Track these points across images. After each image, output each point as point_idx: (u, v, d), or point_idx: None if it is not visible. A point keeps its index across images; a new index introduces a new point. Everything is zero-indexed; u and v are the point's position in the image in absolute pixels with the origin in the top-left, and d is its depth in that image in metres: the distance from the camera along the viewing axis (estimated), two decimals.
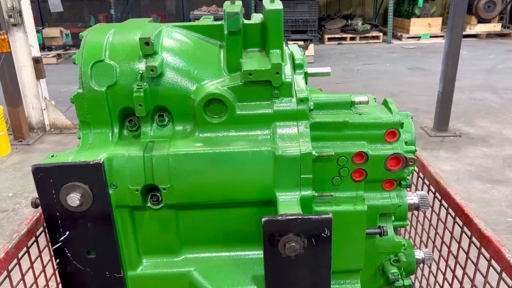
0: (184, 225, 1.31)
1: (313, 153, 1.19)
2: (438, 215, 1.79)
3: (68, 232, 1.23)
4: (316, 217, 1.13)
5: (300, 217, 1.13)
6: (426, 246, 1.92)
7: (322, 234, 1.15)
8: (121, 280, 1.31)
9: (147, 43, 1.18)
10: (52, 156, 1.22)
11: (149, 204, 1.26)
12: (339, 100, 1.27)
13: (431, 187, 1.77)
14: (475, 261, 1.52)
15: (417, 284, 2.02)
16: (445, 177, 3.89)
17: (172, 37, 1.29)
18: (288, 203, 1.20)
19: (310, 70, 1.40)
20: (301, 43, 9.15)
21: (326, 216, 1.13)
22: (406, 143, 1.32)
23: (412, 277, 2.01)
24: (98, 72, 1.22)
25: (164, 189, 1.22)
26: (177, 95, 1.24)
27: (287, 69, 1.25)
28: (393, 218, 1.48)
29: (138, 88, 1.19)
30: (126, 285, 1.34)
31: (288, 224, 1.13)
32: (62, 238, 1.24)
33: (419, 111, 5.71)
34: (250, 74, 1.18)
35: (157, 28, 1.28)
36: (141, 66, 1.23)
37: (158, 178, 1.21)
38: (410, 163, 1.28)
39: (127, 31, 1.29)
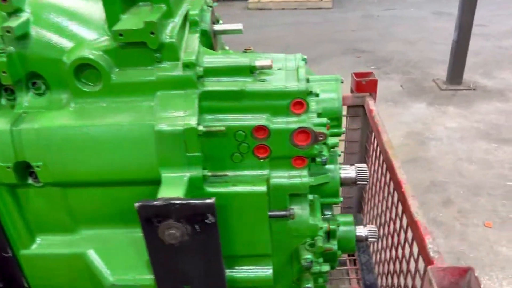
0: (74, 203, 1.20)
1: (200, 128, 1.03)
2: (385, 190, 1.61)
3: None
4: (197, 202, 0.99)
5: (178, 201, 0.99)
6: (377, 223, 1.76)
7: (206, 221, 1.02)
8: (11, 259, 1.23)
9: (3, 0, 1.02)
10: None
11: (30, 181, 1.14)
12: (236, 64, 1.08)
13: (381, 157, 1.58)
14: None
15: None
16: (448, 136, 3.63)
17: None
18: (172, 185, 1.06)
19: (218, 27, 1.20)
20: None
21: (208, 201, 0.99)
22: (320, 114, 1.13)
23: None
24: None
25: (38, 166, 1.10)
26: (48, 59, 1.08)
27: (173, 27, 1.06)
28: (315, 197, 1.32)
29: (0, 53, 1.04)
30: (20, 264, 1.26)
31: (166, 209, 0.99)
32: None
33: (436, 62, 5.31)
34: (121, 35, 1.00)
35: None
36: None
37: (30, 154, 1.09)
38: (320, 138, 1.10)
39: None
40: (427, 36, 6.40)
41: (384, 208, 1.65)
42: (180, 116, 1.04)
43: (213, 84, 1.07)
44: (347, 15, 7.71)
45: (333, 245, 1.42)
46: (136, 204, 0.99)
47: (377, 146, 1.74)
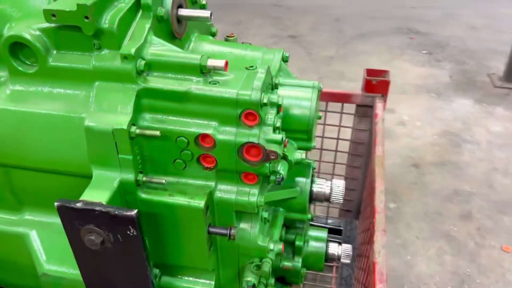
0: (17, 184, 1.14)
1: (133, 129, 0.92)
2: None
3: None
4: (117, 212, 0.89)
5: (98, 208, 0.90)
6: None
7: (127, 232, 0.92)
8: None
9: None
10: None
11: None
12: (185, 61, 0.94)
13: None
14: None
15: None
16: (488, 141, 3.30)
17: None
18: (99, 186, 0.96)
19: (184, 12, 1.05)
20: None
21: (129, 213, 0.89)
22: (277, 128, 0.98)
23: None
24: None
25: None
26: None
27: (118, 10, 0.93)
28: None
29: None
30: None
31: (85, 214, 0.91)
32: None
33: (496, 53, 4.81)
34: (54, 16, 0.89)
35: None
36: None
37: None
38: (272, 157, 0.95)
39: None
40: (494, 23, 5.81)
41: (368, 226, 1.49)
42: (112, 113, 0.92)
43: (156, 81, 0.94)
44: None
45: (296, 262, 1.31)
46: (56, 203, 0.91)
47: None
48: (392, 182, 2.80)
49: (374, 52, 4.78)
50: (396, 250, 2.33)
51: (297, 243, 1.31)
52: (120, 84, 0.94)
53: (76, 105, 0.97)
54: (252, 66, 1.09)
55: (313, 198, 1.25)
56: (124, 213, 0.89)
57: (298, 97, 1.07)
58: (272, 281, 1.17)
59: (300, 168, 1.22)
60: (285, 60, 1.17)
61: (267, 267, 1.09)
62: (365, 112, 1.77)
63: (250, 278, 1.09)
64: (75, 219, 0.93)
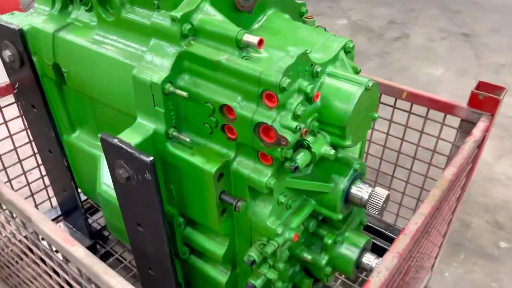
0: (98, 114, 1.35)
1: (167, 86, 1.01)
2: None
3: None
4: (137, 155, 1.01)
5: (125, 147, 1.03)
6: None
7: (145, 175, 1.04)
8: (56, 140, 1.49)
9: None
10: (12, 14, 1.37)
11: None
12: (224, 32, 0.97)
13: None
14: None
15: None
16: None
17: None
18: (136, 130, 1.09)
19: None
20: None
21: (145, 158, 1.00)
22: (298, 116, 0.95)
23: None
24: None
25: (65, 72, 1.26)
26: None
27: None
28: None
29: None
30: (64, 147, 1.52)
31: (116, 150, 1.05)
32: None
33: None
34: None
35: None
36: None
37: (61, 60, 1.25)
38: (283, 143, 0.94)
39: None
40: None
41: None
42: (156, 68, 1.02)
43: (198, 46, 1.01)
44: None
45: (320, 258, 1.28)
46: (100, 135, 1.07)
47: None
48: None
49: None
50: None
51: (325, 239, 1.27)
52: (168, 44, 1.03)
53: (134, 56, 1.09)
54: (307, 50, 1.07)
55: (349, 200, 1.19)
56: (142, 157, 1.00)
57: (341, 90, 1.02)
58: (281, 265, 1.17)
59: (340, 165, 1.17)
60: (347, 51, 1.11)
61: (270, 248, 1.10)
62: (470, 129, 1.55)
63: (252, 253, 1.11)
64: (112, 152, 1.07)
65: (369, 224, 1.93)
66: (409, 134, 1.76)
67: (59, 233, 1.04)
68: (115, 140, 1.04)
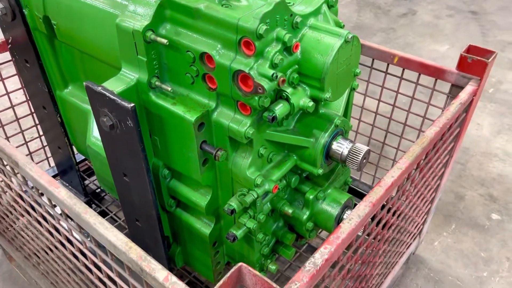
0: (88, 68, 1.38)
1: (148, 34, 1.03)
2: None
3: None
4: (119, 101, 1.03)
5: (108, 95, 1.05)
6: None
7: (127, 123, 1.06)
8: (50, 96, 1.52)
9: None
10: None
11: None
12: None
13: None
14: None
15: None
16: None
17: None
18: (120, 79, 1.11)
19: None
20: None
21: (127, 105, 1.02)
22: (276, 65, 0.97)
23: None
24: None
25: (54, 24, 1.28)
26: None
27: None
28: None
29: None
30: (57, 103, 1.55)
31: (100, 98, 1.07)
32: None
33: None
34: None
35: None
36: None
37: (50, 12, 1.27)
38: (259, 91, 0.96)
39: None
40: None
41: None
42: (138, 17, 1.04)
43: None
44: None
45: (302, 213, 1.31)
46: (84, 83, 1.09)
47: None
48: (509, 191, 2.42)
49: None
50: (475, 261, 2.07)
51: (306, 195, 1.29)
52: None
53: (119, 6, 1.11)
54: (289, 2, 1.08)
55: (330, 155, 1.21)
56: (123, 103, 1.02)
57: (320, 42, 1.03)
58: (261, 216, 1.20)
59: (321, 120, 1.18)
60: (330, 4, 1.12)
61: (249, 198, 1.13)
62: (459, 93, 1.55)
63: (232, 203, 1.14)
64: (96, 100, 1.10)
65: (356, 188, 1.96)
66: (401, 101, 1.76)
67: (44, 176, 1.08)
68: (99, 88, 1.06)
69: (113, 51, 1.15)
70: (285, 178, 1.26)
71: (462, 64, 1.46)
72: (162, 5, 1.03)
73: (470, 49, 1.47)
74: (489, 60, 1.41)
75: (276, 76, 0.96)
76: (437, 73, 1.57)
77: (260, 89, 0.96)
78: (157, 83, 1.10)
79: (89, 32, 1.20)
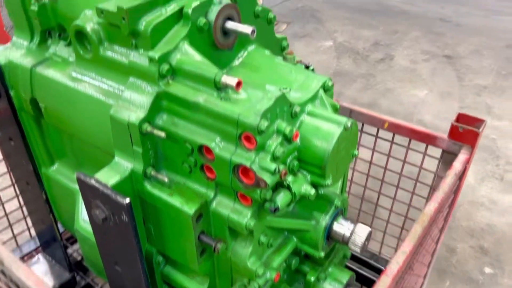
0: (77, 148, 1.33)
1: (144, 126, 0.99)
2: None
3: None
4: (113, 196, 0.99)
5: (102, 188, 1.01)
6: None
7: (122, 217, 1.02)
8: (34, 172, 1.46)
9: None
10: None
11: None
12: (202, 73, 0.97)
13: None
14: None
15: None
16: None
17: None
18: (113, 169, 1.07)
19: (230, 25, 1.07)
20: None
21: (122, 200, 0.98)
22: (277, 158, 0.95)
23: None
24: None
25: (42, 107, 1.24)
26: (69, 17, 1.16)
27: (157, 15, 1.00)
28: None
29: (35, 1, 1.17)
30: (42, 179, 1.49)
31: (93, 191, 1.03)
32: None
33: None
34: (102, 13, 1.00)
35: None
36: None
37: (38, 95, 1.23)
38: (261, 185, 0.93)
39: None
40: None
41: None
42: (133, 108, 1.01)
43: (176, 86, 1.00)
44: None
45: None
46: (76, 174, 1.04)
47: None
48: (498, 242, 2.42)
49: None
50: None
51: (308, 277, 1.25)
52: (146, 83, 1.02)
53: (112, 95, 1.08)
54: (286, 88, 1.07)
55: (331, 236, 1.18)
56: (118, 199, 0.98)
57: (320, 130, 1.02)
58: None
59: (321, 202, 1.16)
60: (326, 89, 1.11)
61: None
62: (451, 159, 1.56)
63: None
64: (88, 192, 1.05)
65: (353, 254, 1.92)
66: (392, 162, 1.77)
67: (31, 277, 1.01)
68: (92, 181, 1.02)
69: (106, 138, 1.11)
70: (285, 261, 1.22)
71: (453, 132, 1.48)
72: (159, 97, 1.00)
73: (460, 118, 1.48)
74: (480, 130, 1.43)
75: (279, 170, 0.93)
76: (428, 139, 1.57)
77: (262, 183, 0.93)
78: (152, 173, 1.06)
79: (80, 119, 1.16)
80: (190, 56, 1.01)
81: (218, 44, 1.09)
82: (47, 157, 1.44)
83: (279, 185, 1.04)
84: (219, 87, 0.97)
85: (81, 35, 1.10)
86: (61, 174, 1.43)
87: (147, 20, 0.99)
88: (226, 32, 1.10)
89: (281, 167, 0.94)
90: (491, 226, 2.54)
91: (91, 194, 1.04)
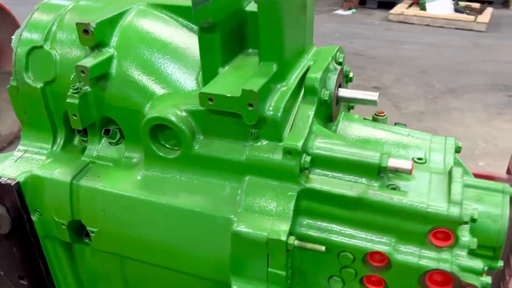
0: (130, 274, 1.00)
1: (292, 241, 0.74)
2: None
3: None
4: None
5: None
6: None
7: None
8: None
9: (85, 31, 0.83)
10: None
11: (87, 240, 0.96)
12: (360, 159, 0.76)
13: None
14: None
15: None
16: None
17: (139, 23, 0.91)
18: None
19: (345, 93, 0.89)
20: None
21: None
22: (473, 251, 0.76)
23: None
24: (35, 62, 0.92)
25: (93, 232, 0.90)
26: (127, 109, 0.87)
27: (282, 95, 0.77)
28: None
29: (74, 92, 0.86)
30: None
31: None
32: None
33: None
34: (211, 100, 0.75)
35: (123, 7, 0.90)
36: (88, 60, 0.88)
37: (85, 216, 0.90)
38: None
39: (88, 9, 0.93)
40: None
41: None
42: (267, 217, 0.75)
43: (321, 181, 0.77)
44: (503, 42, 6.71)
45: None
46: None
47: None
48: None
49: (468, 110, 4.42)
50: None
51: None
52: (277, 181, 0.77)
53: (220, 202, 0.81)
54: (420, 159, 0.89)
55: None
56: None
57: (484, 203, 0.85)
58: None
59: None
60: (457, 150, 0.96)
61: None
62: None
63: None
64: None
65: None
66: None
67: None
68: None
69: (206, 261, 0.83)
70: None
71: None
72: (299, 197, 0.76)
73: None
74: None
75: (484, 268, 0.74)
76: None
77: None
78: None
79: (161, 239, 0.85)
80: (328, 139, 0.78)
81: (334, 115, 0.89)
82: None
83: None
84: (383, 174, 0.76)
85: (158, 130, 0.82)
86: None
87: (273, 102, 0.76)
88: (337, 102, 0.90)
89: (485, 267, 0.74)
90: None
91: None
